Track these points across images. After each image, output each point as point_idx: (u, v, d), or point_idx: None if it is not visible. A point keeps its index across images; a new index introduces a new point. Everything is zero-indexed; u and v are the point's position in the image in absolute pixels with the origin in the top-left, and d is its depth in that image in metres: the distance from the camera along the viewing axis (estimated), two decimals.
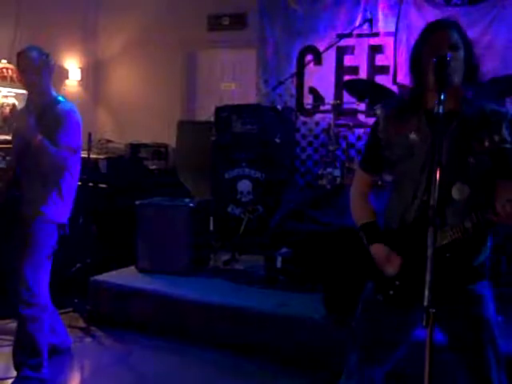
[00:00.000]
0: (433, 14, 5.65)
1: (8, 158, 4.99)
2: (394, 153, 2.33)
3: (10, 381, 3.54)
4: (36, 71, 3.55)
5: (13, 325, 4.08)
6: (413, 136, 2.27)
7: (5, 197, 3.61)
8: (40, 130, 3.43)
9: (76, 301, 4.79)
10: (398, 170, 2.35)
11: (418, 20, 5.80)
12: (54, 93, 3.68)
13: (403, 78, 5.80)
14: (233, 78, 7.81)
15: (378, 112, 2.44)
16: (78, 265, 4.98)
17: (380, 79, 6.09)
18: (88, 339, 4.43)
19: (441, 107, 1.99)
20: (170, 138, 7.07)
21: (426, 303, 1.86)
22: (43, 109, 3.55)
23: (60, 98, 3.66)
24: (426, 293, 1.86)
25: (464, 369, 2.30)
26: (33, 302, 3.51)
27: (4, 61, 6.54)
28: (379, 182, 4.00)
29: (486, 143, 2.18)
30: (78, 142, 3.63)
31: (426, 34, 2.28)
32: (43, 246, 3.58)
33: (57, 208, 3.64)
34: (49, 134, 3.46)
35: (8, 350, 3.76)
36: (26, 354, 3.52)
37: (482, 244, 2.27)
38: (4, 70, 6.52)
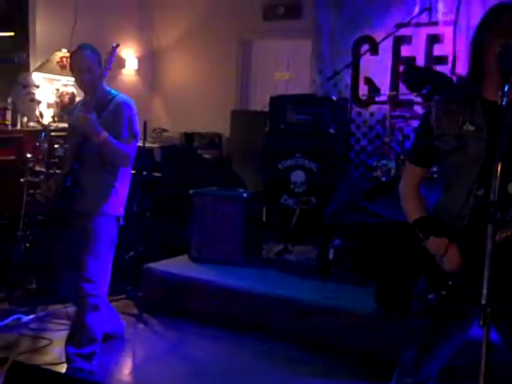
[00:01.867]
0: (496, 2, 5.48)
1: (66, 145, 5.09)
2: (446, 144, 2.23)
3: (65, 365, 3.60)
4: (90, 71, 3.57)
5: (68, 309, 4.20)
6: (467, 127, 2.18)
7: (60, 191, 3.67)
8: (101, 125, 3.48)
9: (129, 288, 4.86)
10: (449, 162, 2.26)
11: (480, 8, 5.63)
12: (107, 87, 3.71)
13: (462, 68, 5.65)
14: (287, 68, 7.76)
15: (432, 101, 2.34)
16: (132, 252, 5.05)
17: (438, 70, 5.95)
18: (140, 326, 4.50)
19: (505, 99, 1.91)
20: (224, 128, 7.08)
21: (483, 301, 1.80)
22: (100, 103, 3.58)
23: (113, 92, 3.70)
24: (484, 291, 1.80)
25: None
26: (95, 293, 3.56)
27: (64, 50, 6.66)
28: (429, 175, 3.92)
29: None
30: (137, 130, 3.70)
31: (489, 18, 2.18)
32: (104, 239, 3.63)
33: (114, 201, 3.70)
34: (110, 127, 3.53)
35: (63, 334, 3.84)
36: (81, 343, 3.56)
37: None
38: (64, 59, 6.64)
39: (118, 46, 3.60)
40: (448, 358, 2.39)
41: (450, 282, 2.19)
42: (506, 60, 1.99)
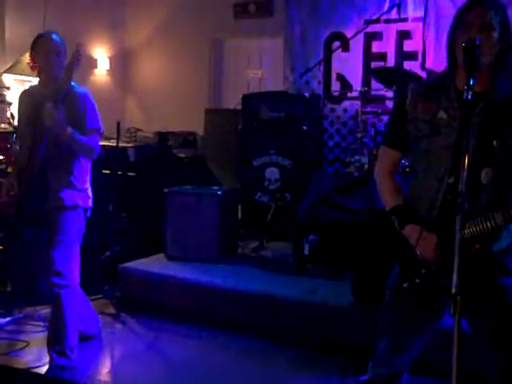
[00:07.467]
0: None
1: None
2: (419, 128, 2.28)
3: (44, 368, 3.60)
4: (58, 55, 3.58)
5: (44, 311, 4.17)
6: (441, 114, 2.23)
7: (24, 189, 3.66)
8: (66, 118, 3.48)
9: (106, 288, 4.84)
10: (420, 149, 2.29)
11: (448, 4, 5.70)
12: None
13: (432, 63, 5.71)
14: (260, 66, 7.78)
15: (408, 86, 2.37)
16: (108, 252, 5.03)
17: (408, 65, 6.01)
18: (118, 325, 4.49)
19: (470, 93, 1.96)
20: (198, 126, 7.08)
21: (453, 290, 1.83)
22: (60, 93, 3.52)
23: (72, 83, 3.65)
24: (454, 279, 1.83)
25: (492, 362, 2.27)
26: (63, 284, 3.55)
27: None
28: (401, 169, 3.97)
29: None
30: (100, 123, 3.71)
31: (460, 12, 2.22)
32: (71, 231, 3.63)
33: (78, 193, 3.70)
34: (73, 120, 3.52)
35: (40, 335, 3.82)
36: (61, 339, 3.56)
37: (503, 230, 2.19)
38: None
39: (81, 45, 3.58)
40: (421, 349, 2.43)
41: (424, 271, 2.22)
42: (469, 54, 2.02)
